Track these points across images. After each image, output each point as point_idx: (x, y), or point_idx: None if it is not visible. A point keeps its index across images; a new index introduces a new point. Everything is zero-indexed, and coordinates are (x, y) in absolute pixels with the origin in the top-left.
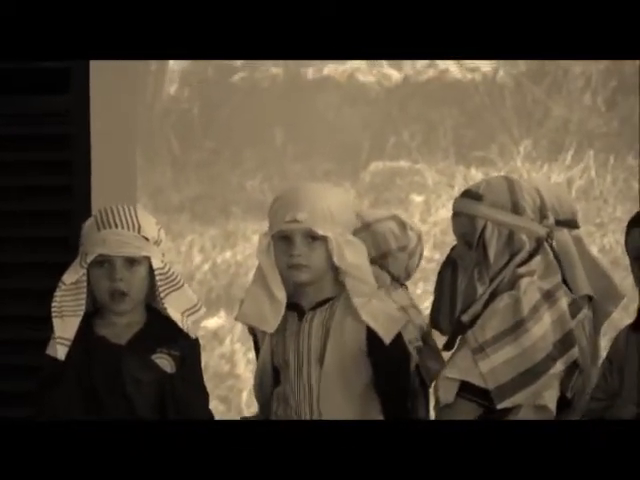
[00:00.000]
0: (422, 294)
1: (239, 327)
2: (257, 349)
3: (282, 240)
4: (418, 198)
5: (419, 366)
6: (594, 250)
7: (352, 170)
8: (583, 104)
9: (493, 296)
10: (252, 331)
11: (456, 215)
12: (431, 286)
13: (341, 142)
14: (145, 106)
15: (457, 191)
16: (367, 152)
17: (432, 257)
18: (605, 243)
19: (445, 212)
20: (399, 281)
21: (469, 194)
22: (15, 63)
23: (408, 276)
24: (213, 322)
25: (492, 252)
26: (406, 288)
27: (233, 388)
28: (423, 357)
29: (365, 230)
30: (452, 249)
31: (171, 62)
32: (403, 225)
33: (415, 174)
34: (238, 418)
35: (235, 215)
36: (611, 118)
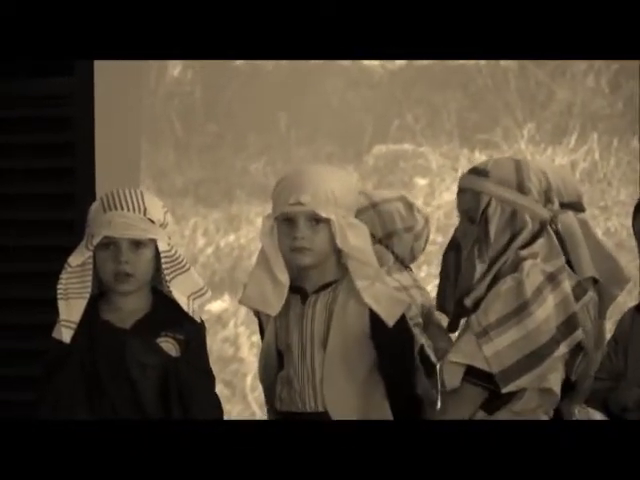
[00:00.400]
0: (426, 277)
1: (243, 310)
2: (262, 332)
3: (285, 223)
4: (422, 181)
5: (423, 345)
6: (598, 233)
7: (356, 153)
8: (586, 86)
9: (496, 279)
10: (257, 314)
11: (461, 191)
12: (434, 269)
13: (345, 125)
14: (148, 89)
15: (461, 174)
16: (370, 135)
17: (435, 240)
18: (609, 226)
19: (449, 195)
20: (403, 263)
21: (476, 171)
22: (19, 61)
23: (413, 258)
24: (217, 305)
25: (493, 229)
26: (411, 270)
27: (237, 372)
28: (430, 335)
29: (372, 209)
30: (455, 230)
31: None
32: (410, 206)
33: (419, 157)
34: (242, 402)
35: (239, 198)
36: (615, 100)
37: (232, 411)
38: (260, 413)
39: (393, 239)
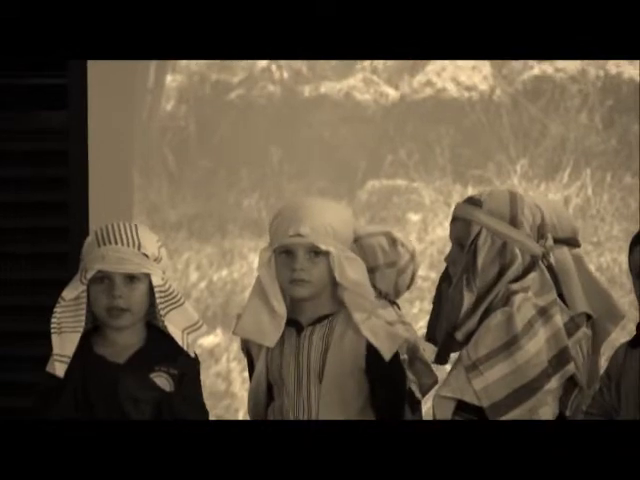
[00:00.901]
0: (418, 313)
1: (235, 345)
2: (251, 369)
3: (284, 254)
4: (415, 217)
5: (410, 380)
6: (591, 269)
7: (348, 189)
8: (580, 122)
9: (487, 313)
10: (245, 349)
11: (454, 220)
12: (427, 305)
13: (337, 160)
14: (142, 123)
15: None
16: (363, 171)
17: (428, 276)
18: (602, 262)
19: (442, 231)
20: (387, 298)
21: (470, 200)
22: (13, 68)
23: (398, 294)
24: (209, 340)
25: (481, 259)
26: (397, 306)
27: (229, 407)
28: (415, 371)
29: (354, 243)
30: (446, 259)
31: (168, 79)
32: (394, 241)
33: (412, 192)
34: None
35: (232, 233)
36: (608, 136)
37: None
38: None
39: (375, 274)
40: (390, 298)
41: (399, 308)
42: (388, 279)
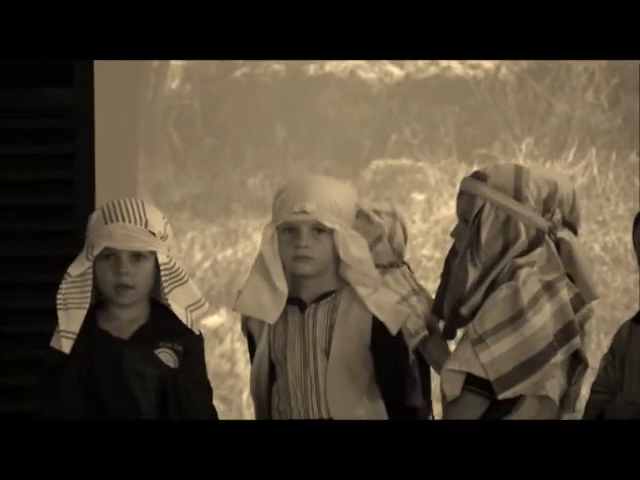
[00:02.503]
0: None
1: (239, 326)
2: (252, 349)
3: (288, 231)
4: (420, 196)
5: (424, 357)
6: (597, 248)
7: (353, 168)
8: (586, 101)
9: (492, 287)
10: (246, 328)
11: (460, 194)
12: (432, 284)
13: (342, 140)
14: (146, 101)
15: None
16: (368, 150)
17: (432, 256)
18: (607, 241)
19: (447, 210)
20: (395, 265)
21: (475, 174)
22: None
23: (400, 255)
24: (213, 320)
25: (485, 233)
26: (407, 266)
27: (234, 388)
28: (429, 349)
29: None
30: (452, 233)
31: None
32: (367, 217)
33: (417, 172)
34: (238, 418)
35: (236, 212)
36: (614, 115)
37: None
38: None
39: (371, 254)
40: (399, 263)
41: (409, 268)
42: (384, 252)
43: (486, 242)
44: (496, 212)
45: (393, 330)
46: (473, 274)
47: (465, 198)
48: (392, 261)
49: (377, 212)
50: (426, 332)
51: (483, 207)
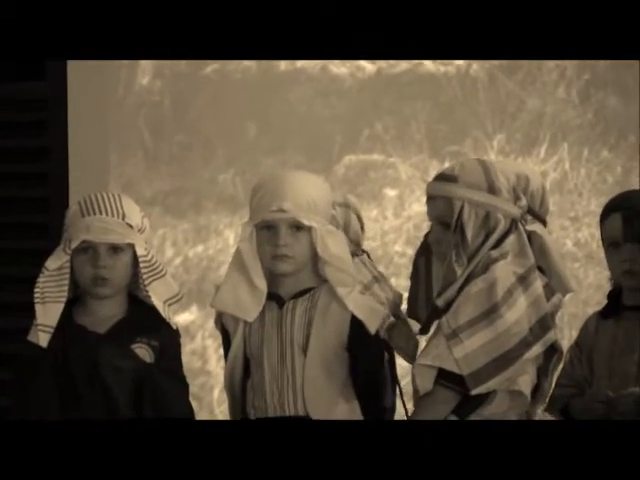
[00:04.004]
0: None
1: (211, 323)
2: (226, 344)
3: (265, 229)
4: (391, 192)
5: (391, 347)
6: (569, 244)
7: (325, 163)
8: (557, 97)
9: (468, 280)
10: (220, 324)
11: (431, 198)
12: (404, 281)
13: (314, 135)
14: (117, 98)
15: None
16: (340, 145)
17: (405, 252)
18: (580, 237)
19: (418, 206)
20: (356, 254)
21: (444, 177)
22: None
23: (359, 243)
24: (185, 317)
25: (470, 233)
26: (367, 255)
27: (205, 385)
28: (394, 336)
29: None
30: (426, 235)
31: None
32: None
33: (388, 167)
34: (209, 415)
35: (207, 209)
36: (585, 111)
37: None
38: None
39: None
40: (358, 252)
41: (369, 257)
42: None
43: (471, 241)
44: (476, 211)
45: (372, 329)
46: (460, 272)
47: (440, 202)
48: (351, 251)
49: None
50: (392, 319)
51: (462, 209)
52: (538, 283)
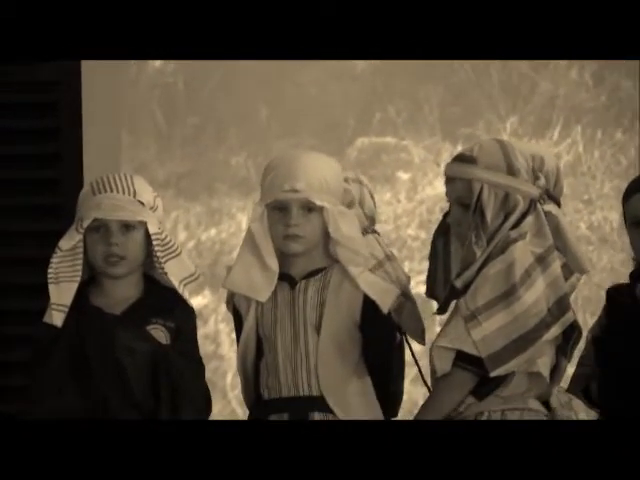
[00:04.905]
0: (409, 272)
1: (224, 307)
2: (238, 325)
3: (277, 210)
4: (404, 175)
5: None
6: (582, 227)
7: (338, 146)
8: (570, 79)
9: (486, 261)
10: (231, 304)
11: (450, 180)
12: (417, 265)
13: (326, 118)
14: (130, 79)
15: (444, 169)
16: (352, 128)
17: (418, 235)
18: (593, 220)
19: (431, 190)
20: (368, 231)
21: (462, 158)
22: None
23: (373, 220)
24: (198, 301)
25: (489, 215)
26: (378, 234)
27: (218, 369)
28: (404, 316)
29: None
30: (444, 216)
31: None
32: None
33: (401, 151)
34: (222, 400)
35: (220, 192)
36: (598, 93)
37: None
38: (240, 411)
39: None
40: (371, 229)
41: (379, 235)
42: (357, 218)
43: (491, 222)
44: (495, 192)
45: (384, 308)
46: (479, 254)
47: (459, 184)
48: (365, 226)
49: (344, 179)
50: (402, 298)
51: (482, 190)
52: (557, 263)
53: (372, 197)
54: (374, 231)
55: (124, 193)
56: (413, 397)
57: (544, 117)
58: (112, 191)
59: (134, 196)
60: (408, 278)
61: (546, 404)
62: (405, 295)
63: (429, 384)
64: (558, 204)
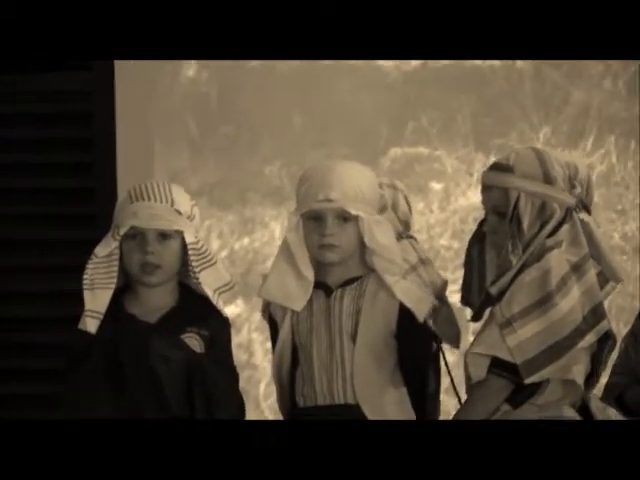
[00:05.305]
0: None
1: (257, 316)
2: (273, 333)
3: (313, 219)
4: (437, 186)
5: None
6: (616, 237)
7: (371, 156)
8: (603, 89)
9: (522, 269)
10: (267, 313)
11: (486, 188)
12: (450, 274)
13: (359, 128)
14: (163, 88)
15: (476, 179)
16: (385, 138)
17: (451, 245)
18: (627, 230)
19: (464, 200)
20: (404, 236)
21: (499, 166)
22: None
23: (407, 225)
24: (230, 310)
25: (526, 223)
26: (414, 239)
27: (251, 378)
28: (438, 321)
29: None
30: (480, 224)
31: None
32: None
33: (434, 161)
34: (255, 409)
35: (253, 201)
36: (632, 103)
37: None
38: None
39: None
40: (405, 234)
41: (416, 240)
42: (391, 222)
43: (528, 230)
44: (532, 201)
45: (420, 317)
46: (515, 262)
47: (495, 192)
48: (399, 231)
49: (378, 184)
50: (436, 301)
51: (519, 199)
52: (592, 272)
53: (407, 202)
54: (409, 236)
55: (162, 202)
56: (447, 408)
57: (577, 127)
58: (150, 199)
59: (172, 205)
60: (445, 282)
61: (580, 411)
62: (440, 299)
63: (460, 395)
64: (589, 212)
